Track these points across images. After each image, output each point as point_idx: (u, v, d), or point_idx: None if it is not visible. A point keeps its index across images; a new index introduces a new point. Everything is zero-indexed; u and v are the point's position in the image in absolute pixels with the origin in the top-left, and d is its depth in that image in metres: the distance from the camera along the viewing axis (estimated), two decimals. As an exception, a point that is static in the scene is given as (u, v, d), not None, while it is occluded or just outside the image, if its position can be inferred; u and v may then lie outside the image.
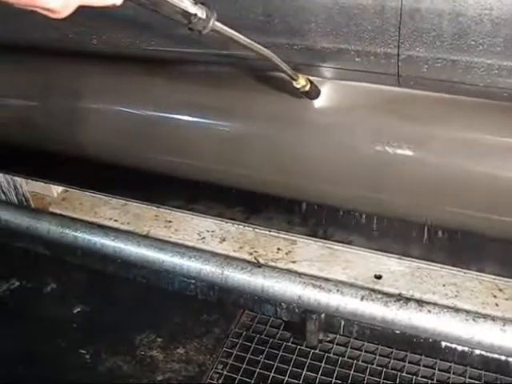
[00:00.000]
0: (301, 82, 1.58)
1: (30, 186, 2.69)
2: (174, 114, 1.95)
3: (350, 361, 2.40)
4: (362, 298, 1.88)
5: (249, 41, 1.32)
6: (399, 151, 1.65)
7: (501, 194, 1.59)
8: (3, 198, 2.70)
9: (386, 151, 1.65)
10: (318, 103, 1.72)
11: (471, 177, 1.61)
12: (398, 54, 1.46)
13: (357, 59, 1.51)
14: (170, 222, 2.44)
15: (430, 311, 1.81)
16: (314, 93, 1.66)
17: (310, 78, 1.61)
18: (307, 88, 1.60)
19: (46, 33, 1.90)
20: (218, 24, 1.18)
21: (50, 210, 2.60)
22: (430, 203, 1.71)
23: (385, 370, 2.33)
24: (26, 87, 2.20)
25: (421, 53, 1.43)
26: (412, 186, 1.69)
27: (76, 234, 2.34)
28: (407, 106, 1.68)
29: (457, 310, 1.82)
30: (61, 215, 2.49)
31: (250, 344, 2.50)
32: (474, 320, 1.77)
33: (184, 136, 1.96)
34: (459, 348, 1.85)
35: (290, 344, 2.48)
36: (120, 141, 2.09)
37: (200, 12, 1.11)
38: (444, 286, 2.00)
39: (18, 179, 2.66)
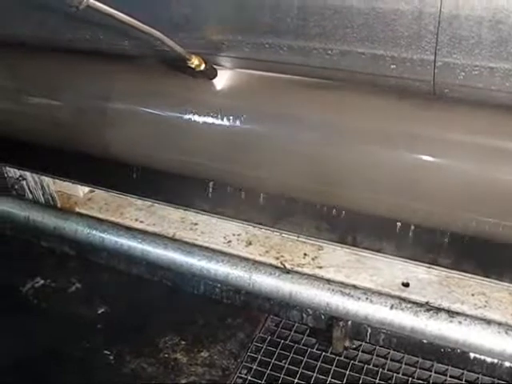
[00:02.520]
0: (194, 62, 1.60)
1: (56, 186, 2.71)
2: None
3: (376, 369, 2.36)
4: (391, 307, 1.86)
5: (130, 19, 1.35)
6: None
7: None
8: (30, 197, 2.73)
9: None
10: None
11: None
12: (435, 61, 1.44)
13: (392, 66, 1.50)
14: (195, 224, 2.43)
15: (460, 322, 1.78)
16: (210, 72, 1.69)
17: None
18: (202, 67, 1.62)
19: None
20: (95, 2, 1.25)
21: (77, 210, 2.61)
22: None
23: (410, 379, 2.30)
24: (52, 87, 2.21)
25: (458, 60, 1.41)
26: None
27: (103, 235, 2.36)
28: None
29: (488, 321, 1.79)
30: (88, 216, 2.50)
31: (274, 349, 2.47)
32: (506, 333, 1.74)
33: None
34: (488, 359, 1.83)
35: (314, 350, 2.45)
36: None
37: None
38: (473, 295, 1.98)
39: (46, 179, 2.68)
